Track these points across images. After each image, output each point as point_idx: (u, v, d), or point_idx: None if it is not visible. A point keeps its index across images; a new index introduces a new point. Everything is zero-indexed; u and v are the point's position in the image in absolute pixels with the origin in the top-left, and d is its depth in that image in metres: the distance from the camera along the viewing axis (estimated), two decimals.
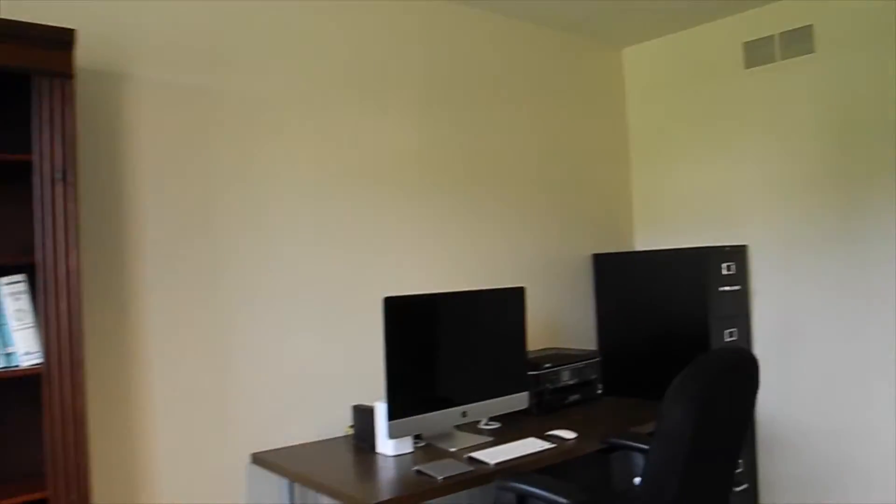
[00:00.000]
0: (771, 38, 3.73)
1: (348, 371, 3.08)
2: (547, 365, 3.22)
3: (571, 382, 3.32)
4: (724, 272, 3.76)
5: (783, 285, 3.79)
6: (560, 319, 4.02)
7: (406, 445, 2.65)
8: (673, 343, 3.79)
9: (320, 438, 2.96)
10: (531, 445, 2.62)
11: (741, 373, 2.11)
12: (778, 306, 3.81)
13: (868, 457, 3.47)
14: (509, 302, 3.06)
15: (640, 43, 4.36)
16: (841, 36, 3.52)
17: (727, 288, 3.76)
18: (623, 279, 4.02)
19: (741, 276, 3.86)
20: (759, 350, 3.88)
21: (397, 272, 3.28)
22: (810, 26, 3.59)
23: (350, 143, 3.14)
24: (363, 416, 2.78)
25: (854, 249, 3.53)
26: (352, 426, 2.91)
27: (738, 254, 3.86)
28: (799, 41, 3.63)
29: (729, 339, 3.74)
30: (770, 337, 3.84)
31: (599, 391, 3.47)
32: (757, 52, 3.80)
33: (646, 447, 2.49)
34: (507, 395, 2.99)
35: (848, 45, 3.50)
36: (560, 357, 3.34)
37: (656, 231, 4.33)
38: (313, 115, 3.04)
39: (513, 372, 3.04)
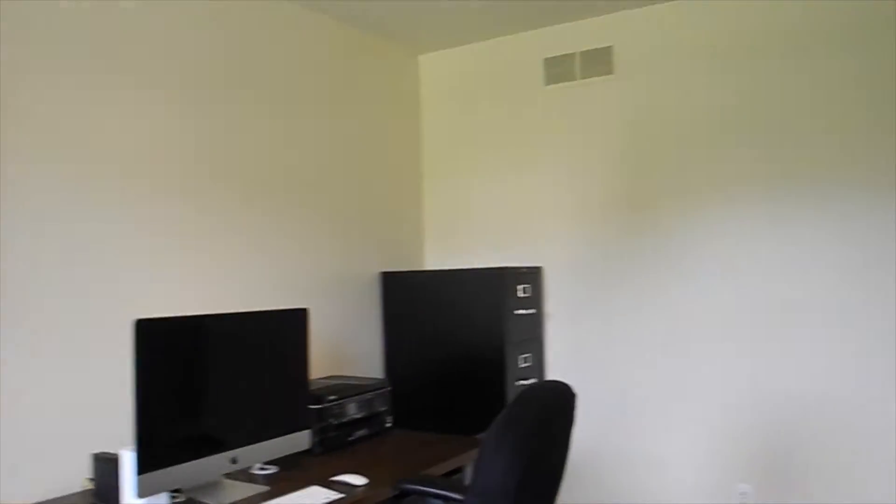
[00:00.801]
0: (572, 56, 3.66)
1: (90, 410, 2.45)
2: (331, 398, 2.80)
3: (358, 416, 2.93)
4: (520, 294, 3.58)
5: (575, 309, 3.70)
6: (344, 344, 3.62)
7: (160, 501, 2.11)
8: (466, 370, 3.54)
9: (49, 497, 2.31)
10: (315, 496, 2.19)
11: (562, 413, 1.86)
12: (570, 331, 3.71)
13: (662, 483, 3.44)
14: (289, 325, 2.61)
15: (438, 50, 4.13)
16: (638, 59, 3.51)
17: (523, 311, 3.59)
18: (413, 300, 3.72)
19: (536, 299, 3.72)
20: (551, 376, 3.75)
21: (156, 289, 2.70)
22: (610, 48, 3.56)
23: (101, 136, 2.53)
24: (105, 467, 2.21)
25: (644, 272, 3.51)
26: (91, 479, 2.29)
27: (533, 275, 3.71)
28: (599, 62, 3.58)
29: (524, 366, 3.56)
30: (562, 363, 3.73)
31: (388, 424, 3.11)
32: (557, 69, 3.70)
33: (444, 493, 2.15)
34: (285, 434, 2.53)
35: (644, 69, 3.50)
36: (346, 388, 2.94)
37: (448, 249, 4.10)
38: (62, 101, 2.40)
39: (292, 407, 2.58)
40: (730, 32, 3.31)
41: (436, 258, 4.14)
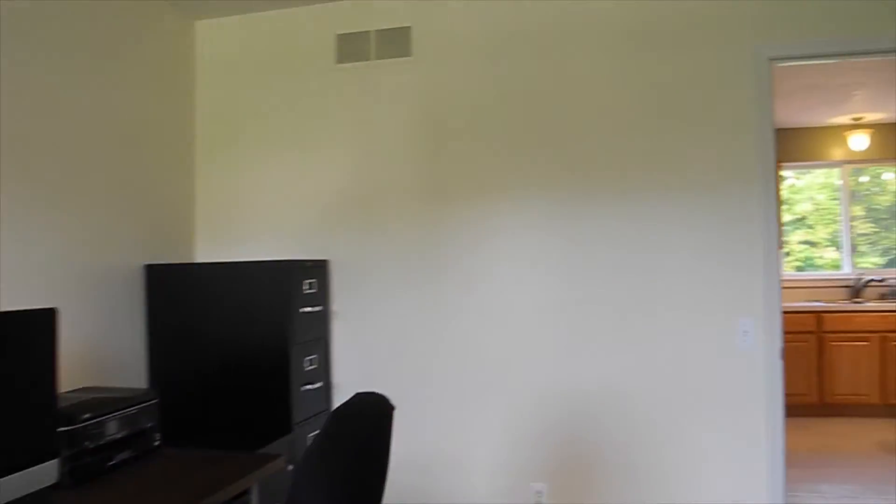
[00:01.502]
0: (367, 34, 3.43)
1: None
2: (86, 416, 2.32)
3: (120, 436, 2.47)
4: (306, 290, 3.29)
5: (364, 306, 3.48)
6: (99, 350, 3.09)
7: None
8: (246, 376, 3.18)
9: None
10: None
11: (383, 430, 1.63)
12: (358, 329, 3.49)
13: (457, 485, 3.34)
14: (32, 330, 2.11)
15: (218, 17, 3.69)
16: (438, 42, 3.37)
17: (309, 309, 3.30)
18: (183, 297, 3.28)
19: (322, 296, 3.45)
20: (338, 379, 3.50)
21: None
22: (409, 28, 3.38)
23: None
24: None
25: (438, 268, 3.39)
26: None
27: (319, 270, 3.44)
28: (396, 42, 3.39)
29: (309, 368, 3.28)
30: (350, 365, 3.50)
31: (157, 443, 2.67)
32: (351, 47, 3.46)
33: None
34: (25, 467, 2.03)
35: (444, 53, 3.37)
36: (103, 403, 2.46)
37: (223, 239, 3.68)
38: None
39: (35, 432, 2.09)
40: (531, 24, 3.28)
41: (209, 249, 3.70)
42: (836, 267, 7.43)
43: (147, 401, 2.62)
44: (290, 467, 2.97)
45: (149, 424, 2.62)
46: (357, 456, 1.42)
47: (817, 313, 6.62)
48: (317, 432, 1.57)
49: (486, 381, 3.33)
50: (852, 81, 5.43)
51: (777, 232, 3.16)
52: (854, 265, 7.34)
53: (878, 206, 7.45)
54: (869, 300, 7.08)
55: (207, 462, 2.53)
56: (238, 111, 3.67)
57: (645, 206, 3.20)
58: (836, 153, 7.28)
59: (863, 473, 5.04)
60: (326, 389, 3.47)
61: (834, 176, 7.54)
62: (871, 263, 7.34)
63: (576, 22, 3.24)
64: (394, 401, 3.36)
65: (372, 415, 1.57)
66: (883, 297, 7.11)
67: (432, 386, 3.39)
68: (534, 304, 3.28)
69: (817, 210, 7.60)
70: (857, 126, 6.99)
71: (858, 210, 7.40)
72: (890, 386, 6.50)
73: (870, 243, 7.38)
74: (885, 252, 7.39)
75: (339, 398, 3.49)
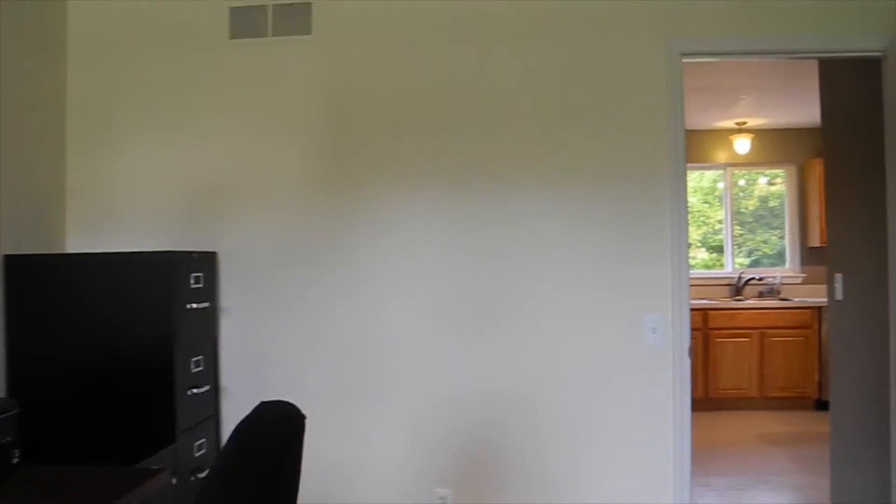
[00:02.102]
0: (264, 7, 3.16)
1: None
2: None
3: None
4: (193, 285, 3.00)
5: (256, 302, 3.22)
6: None
7: None
8: (124, 380, 2.85)
9: None
10: None
11: (295, 444, 1.42)
12: (249, 328, 3.23)
13: (360, 491, 3.13)
14: None
15: None
16: (342, 20, 3.15)
17: (195, 305, 3.01)
18: (50, 293, 2.91)
19: (210, 291, 3.16)
20: (227, 382, 3.22)
21: None
22: (309, 4, 3.14)
23: None
24: None
25: (339, 262, 3.18)
26: None
27: (207, 262, 3.14)
28: (295, 18, 3.15)
29: (196, 370, 2.99)
30: (240, 366, 3.22)
31: (16, 460, 2.32)
32: (245, 22, 3.18)
33: None
34: None
35: (348, 32, 3.15)
36: None
37: (97, 228, 3.31)
38: None
39: None
40: (446, 9, 3.13)
41: (83, 239, 3.31)
42: (708, 267, 7.75)
43: (4, 412, 2.27)
44: (175, 481, 2.68)
45: (6, 439, 2.27)
46: (264, 483, 1.21)
47: (704, 311, 6.82)
48: (213, 449, 1.34)
49: (387, 381, 3.15)
50: (742, 85, 5.60)
51: (686, 229, 3.14)
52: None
53: (744, 210, 7.84)
54: (748, 297, 7.38)
55: (78, 481, 2.21)
56: (117, 88, 3.29)
57: (555, 201, 3.11)
58: (721, 156, 7.54)
59: (748, 465, 5.20)
60: (215, 393, 3.18)
61: (706, 179, 7.86)
62: (738, 264, 7.70)
63: (492, 10, 3.10)
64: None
65: (280, 433, 1.35)
66: (761, 295, 7.43)
67: (331, 388, 3.17)
68: (436, 302, 3.12)
69: (689, 212, 7.90)
70: (740, 130, 7.26)
71: (719, 215, 7.77)
72: (768, 380, 6.79)
73: (736, 245, 7.74)
74: (749, 253, 7.77)
75: (229, 403, 3.21)
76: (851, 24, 3.08)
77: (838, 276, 3.88)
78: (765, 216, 7.80)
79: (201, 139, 3.24)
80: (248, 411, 3.10)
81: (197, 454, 2.96)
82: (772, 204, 7.81)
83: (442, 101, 3.13)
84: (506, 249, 3.11)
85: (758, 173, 7.82)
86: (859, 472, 3.74)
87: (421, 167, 3.14)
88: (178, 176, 3.26)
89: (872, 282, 3.53)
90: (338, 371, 3.17)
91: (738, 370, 6.77)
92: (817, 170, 7.13)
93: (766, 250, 7.80)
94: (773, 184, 7.81)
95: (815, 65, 4.45)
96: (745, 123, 7.14)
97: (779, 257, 7.72)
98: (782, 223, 7.70)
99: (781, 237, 7.73)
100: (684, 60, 3.11)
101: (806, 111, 6.66)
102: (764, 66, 5.02)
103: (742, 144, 7.26)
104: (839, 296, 3.88)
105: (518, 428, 3.09)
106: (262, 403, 1.43)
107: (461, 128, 3.13)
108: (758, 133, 7.37)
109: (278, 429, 1.35)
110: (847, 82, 3.81)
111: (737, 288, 7.45)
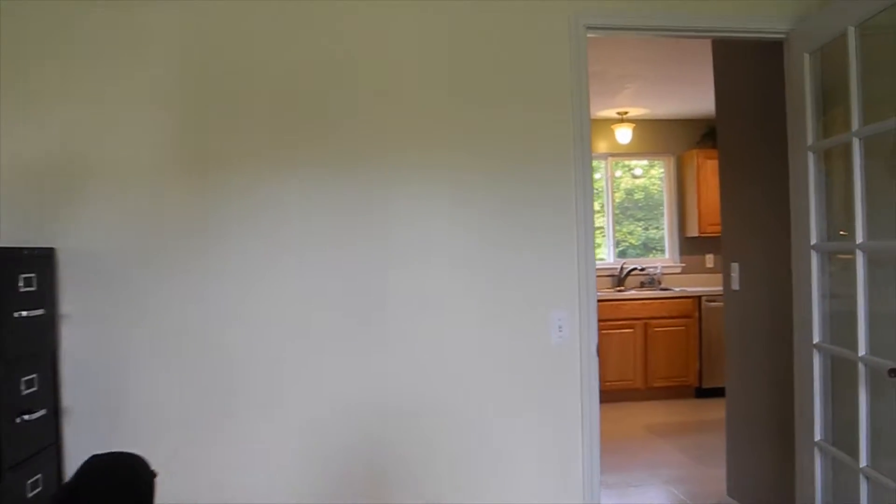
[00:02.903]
0: None
1: None
2: None
3: None
4: (22, 288, 2.47)
5: (104, 307, 2.72)
6: None
7: None
8: None
9: None
10: None
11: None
12: (97, 338, 2.72)
13: None
14: None
15: None
16: None
17: (26, 313, 2.48)
18: None
19: (46, 295, 2.63)
20: (70, 402, 2.71)
21: None
22: None
23: None
24: None
25: (206, 257, 2.74)
26: None
27: (41, 261, 2.62)
28: None
29: (28, 392, 2.46)
30: (86, 384, 2.71)
31: None
32: None
33: None
34: None
35: None
36: None
37: None
38: None
39: None
40: None
41: None
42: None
43: None
44: None
45: None
46: None
47: None
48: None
49: (266, 396, 2.74)
50: (629, 73, 5.51)
51: (592, 219, 2.92)
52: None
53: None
54: (630, 288, 7.41)
55: None
56: None
57: (450, 188, 2.81)
58: (602, 145, 7.51)
59: (637, 457, 5.13)
60: (55, 416, 2.66)
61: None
62: (604, 255, 7.73)
63: None
64: (156, 426, 2.66)
65: (117, 488, 0.96)
66: (642, 286, 7.47)
67: (196, 403, 2.72)
68: (320, 300, 2.75)
69: None
70: (622, 120, 7.25)
71: (596, 206, 7.74)
72: (651, 370, 6.81)
73: (602, 236, 7.75)
74: (616, 244, 7.82)
75: (73, 427, 2.69)
76: (755, 3, 2.96)
77: (734, 266, 3.81)
78: (630, 208, 7.84)
79: (39, 114, 2.69)
80: (96, 436, 2.62)
81: (31, 493, 2.44)
82: (637, 196, 7.88)
83: (331, 73, 2.75)
84: (398, 243, 2.78)
85: (631, 165, 7.86)
86: (755, 461, 3.68)
87: (306, 149, 2.75)
88: (6, 157, 2.70)
89: (768, 270, 3.46)
90: (203, 382, 2.73)
91: (623, 362, 6.75)
92: (695, 160, 7.23)
93: (633, 241, 7.85)
94: (637, 177, 7.89)
95: (701, 52, 4.39)
96: (626, 113, 7.14)
97: (643, 248, 7.81)
98: (646, 215, 7.81)
99: (646, 228, 7.83)
100: (589, 35, 2.89)
101: (686, 102, 6.72)
102: (653, 50, 4.92)
103: (624, 134, 7.26)
104: (735, 285, 3.81)
105: (421, 434, 2.78)
106: (95, 457, 1.02)
107: (350, 104, 2.76)
108: (638, 123, 7.39)
109: (111, 485, 0.95)
110: (742, 67, 3.73)
111: (619, 279, 7.46)
